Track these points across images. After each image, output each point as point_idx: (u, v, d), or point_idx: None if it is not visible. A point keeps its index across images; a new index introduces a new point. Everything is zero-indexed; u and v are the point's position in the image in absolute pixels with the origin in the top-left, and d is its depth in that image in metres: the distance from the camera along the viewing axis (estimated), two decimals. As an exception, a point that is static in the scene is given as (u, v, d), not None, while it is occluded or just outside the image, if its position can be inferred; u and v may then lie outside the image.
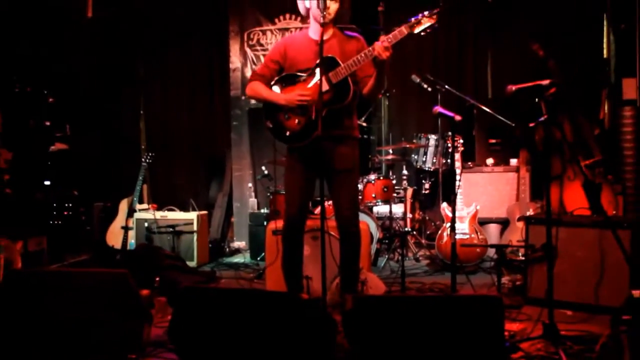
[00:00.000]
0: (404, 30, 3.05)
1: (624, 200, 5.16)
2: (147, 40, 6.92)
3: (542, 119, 3.11)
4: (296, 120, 3.27)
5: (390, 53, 3.04)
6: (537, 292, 3.62)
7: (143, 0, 6.42)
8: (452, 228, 3.41)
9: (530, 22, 6.15)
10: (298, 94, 3.22)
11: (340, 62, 3.15)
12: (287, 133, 3.30)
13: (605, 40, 6.06)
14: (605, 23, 6.04)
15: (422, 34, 3.08)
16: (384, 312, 2.36)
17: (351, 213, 3.38)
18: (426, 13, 3.05)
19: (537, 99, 4.81)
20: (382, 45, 3.02)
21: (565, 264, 3.53)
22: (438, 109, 3.64)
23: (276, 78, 3.37)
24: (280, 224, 3.98)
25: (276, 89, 3.35)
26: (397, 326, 2.33)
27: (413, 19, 3.06)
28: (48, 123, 5.66)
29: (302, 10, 3.40)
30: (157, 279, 4.17)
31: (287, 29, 6.05)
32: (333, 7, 3.23)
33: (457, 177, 3.56)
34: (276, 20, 6.11)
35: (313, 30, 3.36)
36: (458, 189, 3.52)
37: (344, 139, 3.34)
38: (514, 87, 3.32)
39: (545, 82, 3.33)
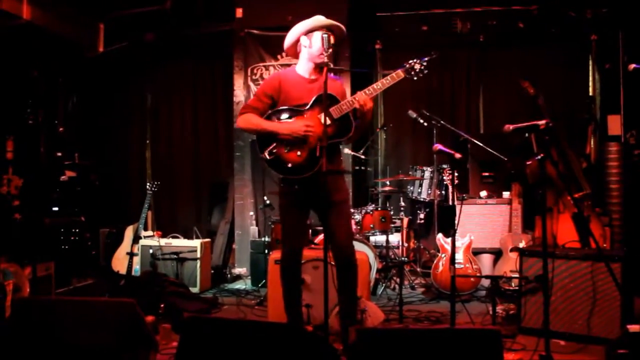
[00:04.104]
0: (384, 82, 3.29)
1: (611, 232, 5.36)
2: (155, 73, 7.18)
3: (539, 156, 3.23)
4: (297, 153, 3.31)
5: (371, 105, 3.29)
6: (531, 322, 3.79)
7: (152, 35, 6.65)
8: (452, 261, 3.55)
9: (520, 61, 6.45)
10: (304, 125, 3.29)
11: (340, 99, 3.31)
12: (289, 165, 3.32)
13: (590, 78, 6.36)
14: (590, 62, 6.35)
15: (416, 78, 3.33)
16: (388, 344, 2.42)
17: (350, 242, 3.46)
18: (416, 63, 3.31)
19: (527, 134, 5.03)
20: (366, 98, 3.26)
21: (557, 295, 3.70)
22: (438, 146, 3.78)
23: (271, 111, 3.42)
24: (282, 253, 4.13)
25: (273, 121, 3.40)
26: (400, 358, 2.39)
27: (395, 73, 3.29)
28: (60, 154, 5.79)
29: (291, 49, 3.51)
30: (162, 305, 4.27)
31: (289, 65, 6.22)
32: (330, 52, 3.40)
33: (457, 214, 3.69)
34: (279, 56, 6.33)
35: (303, 69, 3.47)
36: (457, 225, 3.67)
37: (338, 172, 3.48)
38: (511, 127, 3.44)
39: (541, 122, 3.47)
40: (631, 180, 5.62)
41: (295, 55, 3.54)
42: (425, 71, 3.31)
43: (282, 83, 3.43)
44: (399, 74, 3.29)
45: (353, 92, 3.43)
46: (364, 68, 6.39)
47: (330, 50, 3.38)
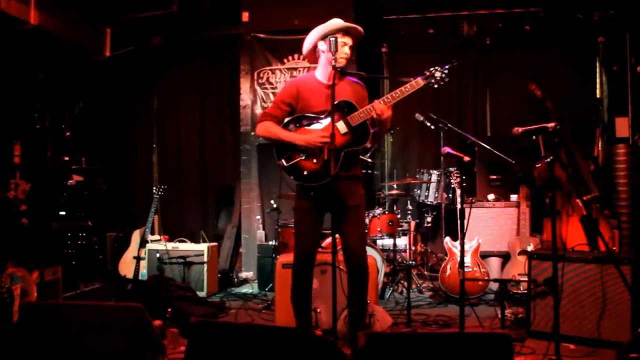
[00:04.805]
0: (403, 90, 3.21)
1: (620, 235, 5.32)
2: (162, 77, 7.20)
3: (549, 159, 3.21)
4: (313, 160, 3.30)
5: (389, 114, 3.23)
6: (540, 326, 3.77)
7: (159, 39, 6.69)
8: (461, 265, 3.53)
9: (527, 63, 6.41)
10: (320, 136, 3.26)
11: (358, 107, 3.26)
12: (305, 172, 3.32)
13: (598, 81, 6.34)
14: (598, 65, 6.32)
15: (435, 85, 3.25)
16: (397, 349, 2.40)
17: (362, 249, 3.43)
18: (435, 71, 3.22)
19: (534, 137, 4.99)
20: (383, 107, 3.20)
21: (567, 298, 3.67)
22: (447, 149, 3.77)
23: (289, 118, 3.42)
24: (289, 257, 4.10)
25: (290, 129, 3.39)
26: (410, 364, 2.36)
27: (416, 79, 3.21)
28: (67, 158, 5.82)
29: (310, 55, 3.48)
30: (169, 309, 4.27)
31: (295, 69, 6.28)
32: (347, 50, 3.36)
33: (466, 217, 3.67)
34: (285, 60, 6.34)
35: (322, 74, 3.44)
36: (466, 228, 3.64)
37: (354, 178, 3.44)
38: (520, 129, 3.42)
39: (550, 124, 3.44)
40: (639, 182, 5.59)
41: (315, 61, 3.51)
42: (447, 79, 3.22)
43: (300, 90, 3.41)
44: (418, 82, 3.21)
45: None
46: (370, 71, 6.37)
47: (346, 54, 3.34)
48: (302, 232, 3.50)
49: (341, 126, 3.26)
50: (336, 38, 3.26)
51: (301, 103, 3.40)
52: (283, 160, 3.36)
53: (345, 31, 3.37)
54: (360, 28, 3.42)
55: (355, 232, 3.40)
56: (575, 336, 3.63)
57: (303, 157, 3.33)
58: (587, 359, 3.37)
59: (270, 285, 5.45)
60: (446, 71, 3.21)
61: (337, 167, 3.11)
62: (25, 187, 5.15)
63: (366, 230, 5.38)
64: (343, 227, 3.40)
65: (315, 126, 3.35)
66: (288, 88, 3.49)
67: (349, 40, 3.38)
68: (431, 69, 3.23)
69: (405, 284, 4.89)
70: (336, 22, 3.40)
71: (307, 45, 3.47)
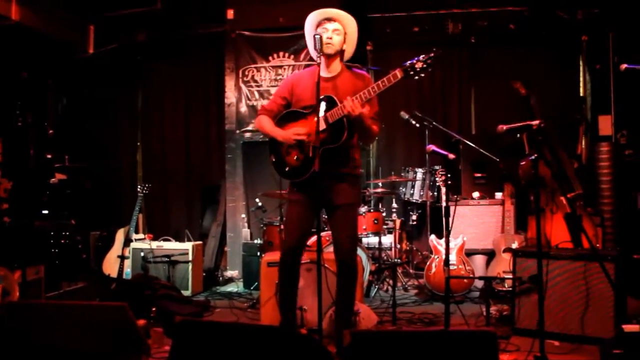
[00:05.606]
0: (375, 87, 3.13)
1: (603, 232, 5.38)
2: (146, 75, 7.15)
3: (533, 157, 3.23)
4: (295, 157, 3.33)
5: (360, 111, 3.12)
6: (525, 323, 3.79)
7: (143, 37, 6.63)
8: (446, 263, 3.54)
9: (511, 62, 6.46)
10: (294, 132, 3.29)
11: (338, 102, 3.20)
12: (287, 168, 3.37)
13: (581, 79, 6.39)
14: (581, 63, 6.38)
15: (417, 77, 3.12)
16: (383, 347, 2.40)
17: (350, 247, 3.41)
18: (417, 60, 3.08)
19: (519, 135, 5.02)
20: (352, 104, 3.11)
21: (551, 295, 3.69)
22: (432, 147, 3.78)
23: (284, 113, 3.44)
24: (275, 256, 4.09)
25: (282, 124, 3.41)
26: (395, 361, 2.37)
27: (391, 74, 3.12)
28: (50, 156, 5.76)
29: (313, 52, 3.38)
30: (154, 309, 4.23)
31: (280, 66, 6.26)
32: (330, 35, 3.31)
33: (451, 215, 3.68)
34: (270, 58, 6.30)
35: (322, 67, 3.31)
36: (451, 226, 3.66)
37: (345, 176, 3.37)
38: (505, 127, 3.43)
39: (534, 122, 3.46)
40: (622, 180, 5.65)
41: None
42: (429, 69, 3.07)
43: (294, 85, 3.45)
44: (395, 75, 3.09)
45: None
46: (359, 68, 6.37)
47: (328, 38, 3.30)
48: (288, 226, 3.51)
49: (320, 123, 3.21)
50: (321, 36, 3.27)
51: (295, 97, 3.43)
52: (272, 156, 3.43)
53: (326, 18, 3.36)
54: (336, 9, 3.40)
55: (343, 231, 3.38)
56: (559, 333, 3.65)
57: (287, 153, 3.37)
58: (572, 356, 3.39)
59: (256, 284, 5.43)
60: (429, 61, 3.05)
61: (316, 165, 3.07)
62: (7, 185, 5.09)
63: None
64: (332, 225, 3.43)
65: (301, 121, 3.35)
66: (284, 82, 3.57)
67: (331, 25, 3.33)
68: (411, 60, 3.08)
69: (391, 282, 4.90)
70: (315, 15, 3.40)
71: (310, 49, 3.48)
